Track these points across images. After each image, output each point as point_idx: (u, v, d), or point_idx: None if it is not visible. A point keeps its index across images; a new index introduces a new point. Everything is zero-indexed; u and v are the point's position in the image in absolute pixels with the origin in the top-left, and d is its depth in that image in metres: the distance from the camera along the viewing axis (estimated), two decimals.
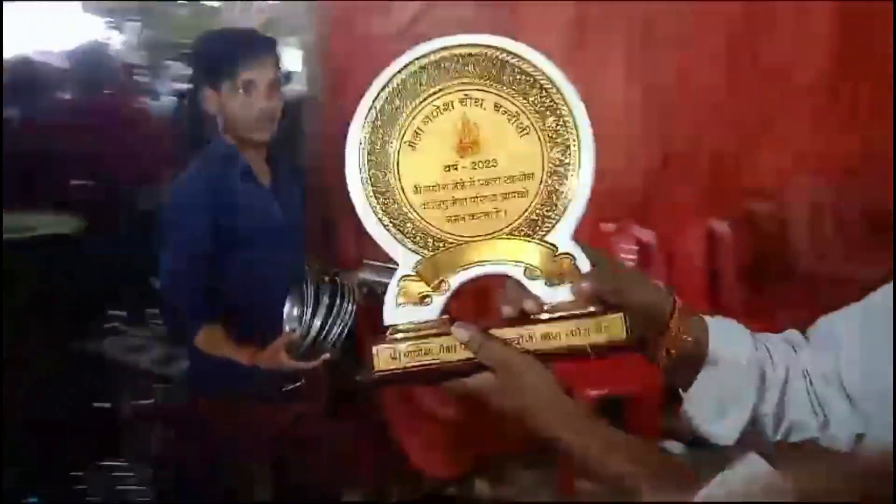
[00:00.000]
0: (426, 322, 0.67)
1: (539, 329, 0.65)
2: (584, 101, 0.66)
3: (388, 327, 0.68)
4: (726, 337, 0.76)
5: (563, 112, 0.66)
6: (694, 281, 2.85)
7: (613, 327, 0.64)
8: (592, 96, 0.69)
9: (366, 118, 0.68)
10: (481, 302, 0.78)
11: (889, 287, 0.72)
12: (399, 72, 0.67)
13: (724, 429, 0.76)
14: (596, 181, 0.66)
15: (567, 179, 0.66)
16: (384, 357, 0.66)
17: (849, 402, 0.73)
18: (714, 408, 0.76)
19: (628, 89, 2.82)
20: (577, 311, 0.65)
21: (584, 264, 0.66)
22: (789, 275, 2.93)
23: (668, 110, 2.85)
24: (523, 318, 0.66)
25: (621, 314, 0.64)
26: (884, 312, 0.70)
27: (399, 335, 0.67)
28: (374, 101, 0.68)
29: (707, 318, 0.77)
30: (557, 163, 0.66)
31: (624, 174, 2.67)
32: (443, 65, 0.67)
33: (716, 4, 2.82)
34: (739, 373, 0.75)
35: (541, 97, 0.66)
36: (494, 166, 0.67)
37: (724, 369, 0.75)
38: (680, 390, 0.78)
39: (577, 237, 0.67)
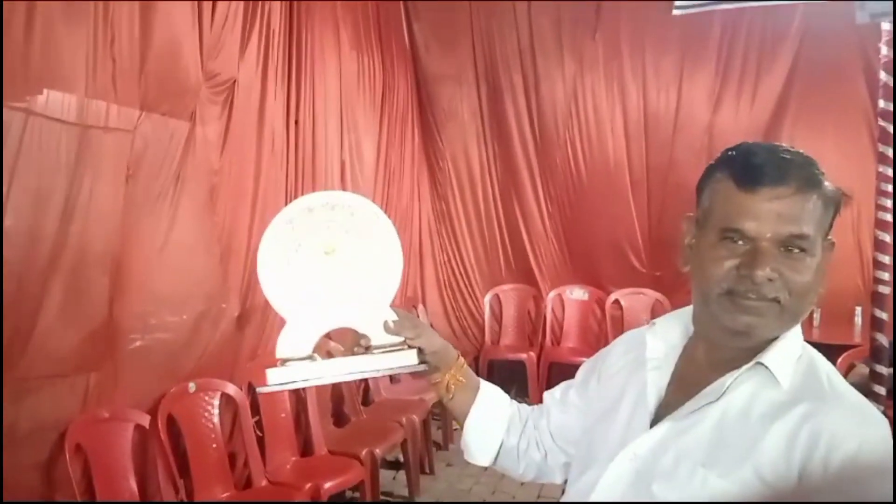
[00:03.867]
0: (302, 356, 1.14)
1: (368, 359, 1.13)
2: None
3: (278, 360, 1.14)
4: (491, 391, 1.25)
5: (381, 227, 1.16)
6: None
7: (409, 358, 1.13)
8: None
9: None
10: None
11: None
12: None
13: (482, 455, 1.24)
14: None
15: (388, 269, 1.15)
16: (274, 375, 1.12)
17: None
18: (477, 440, 1.24)
19: None
20: (389, 349, 1.13)
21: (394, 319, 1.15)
22: None
23: None
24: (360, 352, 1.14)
25: (415, 351, 1.13)
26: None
27: (284, 363, 1.13)
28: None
29: (481, 379, 1.26)
30: (381, 261, 1.15)
31: None
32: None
33: None
34: (495, 417, 1.23)
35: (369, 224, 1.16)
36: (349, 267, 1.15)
37: (486, 413, 1.23)
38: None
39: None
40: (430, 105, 5.63)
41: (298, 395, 3.35)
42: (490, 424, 1.24)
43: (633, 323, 5.16)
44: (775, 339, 0.96)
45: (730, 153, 0.98)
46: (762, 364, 0.94)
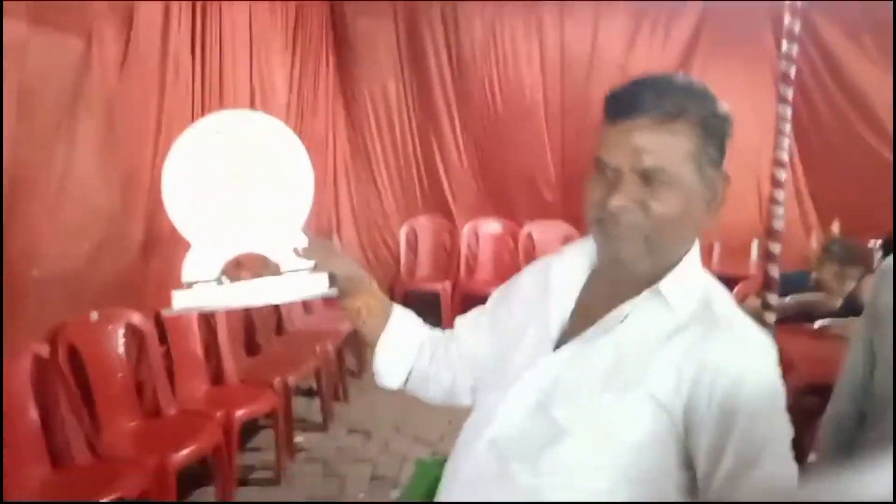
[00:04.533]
0: (207, 280, 1.11)
1: (278, 282, 1.12)
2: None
3: (184, 283, 1.11)
4: (402, 315, 1.26)
5: (292, 149, 1.13)
6: None
7: (320, 283, 1.12)
8: None
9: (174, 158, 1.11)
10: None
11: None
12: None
13: (392, 378, 1.26)
14: None
15: (297, 192, 1.13)
16: (179, 297, 1.09)
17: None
18: (388, 364, 1.25)
19: None
20: (300, 272, 1.12)
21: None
22: None
23: None
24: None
25: (326, 275, 1.12)
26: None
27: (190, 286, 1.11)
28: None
29: (394, 304, 1.26)
30: (290, 184, 1.13)
31: None
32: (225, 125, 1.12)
33: None
34: (407, 341, 1.25)
35: (279, 146, 1.13)
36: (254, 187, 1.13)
37: (397, 337, 1.24)
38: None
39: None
40: (346, 37, 5.46)
41: (208, 324, 3.30)
42: (400, 348, 1.25)
43: (545, 255, 5.29)
44: (672, 268, 1.00)
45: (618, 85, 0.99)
46: (658, 291, 0.98)
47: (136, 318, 2.85)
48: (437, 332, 1.31)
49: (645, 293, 0.99)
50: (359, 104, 5.61)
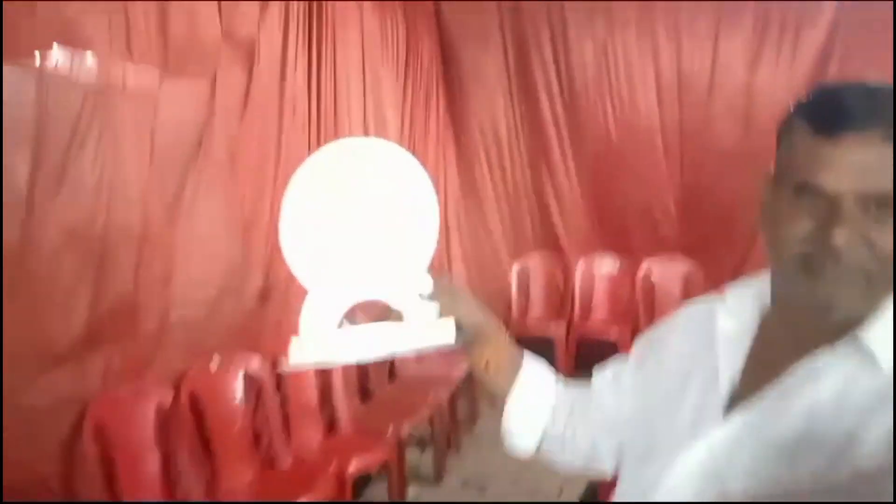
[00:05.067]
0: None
1: (400, 331, 0.99)
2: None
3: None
4: (535, 369, 1.10)
5: (418, 184, 1.02)
6: None
7: (446, 332, 0.99)
8: None
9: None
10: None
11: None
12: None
13: (523, 442, 1.09)
14: None
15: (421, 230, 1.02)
16: (296, 352, 0.99)
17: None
18: (519, 424, 1.09)
19: None
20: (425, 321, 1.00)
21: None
22: None
23: None
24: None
25: (452, 321, 0.99)
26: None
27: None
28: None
29: (526, 354, 1.10)
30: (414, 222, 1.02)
31: None
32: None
33: None
34: (539, 399, 1.08)
35: (402, 177, 1.02)
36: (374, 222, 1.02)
37: (529, 394, 1.08)
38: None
39: None
40: (455, 68, 5.44)
41: (324, 370, 3.25)
42: (533, 408, 1.09)
43: (665, 292, 5.00)
44: (869, 312, 0.80)
45: (810, 94, 0.82)
46: (859, 342, 0.79)
47: (254, 364, 2.83)
48: (572, 388, 1.15)
49: (841, 343, 0.80)
50: (469, 137, 5.53)
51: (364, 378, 3.87)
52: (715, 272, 4.73)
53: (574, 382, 1.14)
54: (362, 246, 1.01)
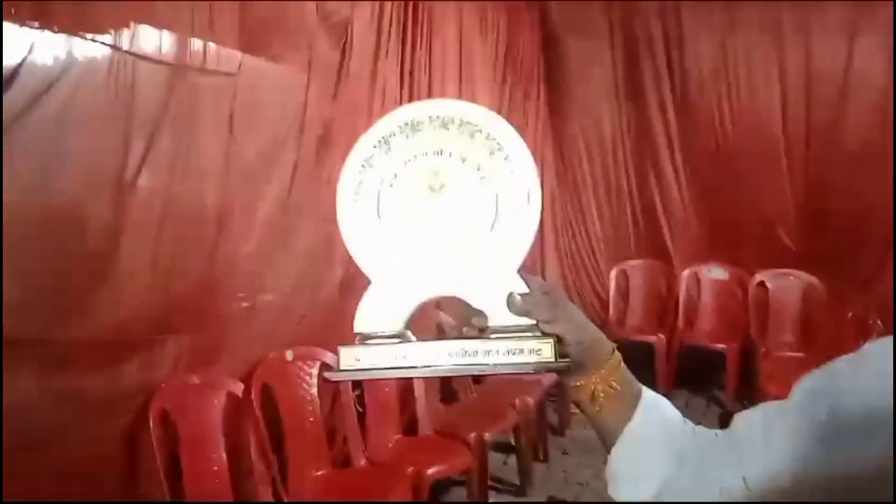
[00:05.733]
0: (389, 332, 0.80)
1: (481, 346, 0.77)
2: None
3: (357, 334, 0.80)
4: (656, 405, 0.85)
5: (514, 161, 0.79)
6: None
7: (544, 351, 0.76)
8: None
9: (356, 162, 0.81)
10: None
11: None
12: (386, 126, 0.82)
13: (637, 492, 0.84)
14: None
15: (518, 220, 0.79)
16: (348, 357, 0.79)
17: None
18: (631, 470, 0.84)
19: None
20: (514, 335, 0.77)
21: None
22: None
23: None
24: (468, 335, 0.79)
25: (552, 340, 0.76)
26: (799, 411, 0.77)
27: (366, 341, 0.80)
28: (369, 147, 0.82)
29: (644, 387, 0.85)
30: (508, 206, 0.79)
31: None
32: (423, 122, 0.81)
33: None
34: (661, 442, 0.83)
35: (499, 153, 0.79)
36: (457, 208, 0.80)
37: (648, 435, 0.83)
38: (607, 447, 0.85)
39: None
40: (559, 64, 5.16)
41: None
42: (650, 453, 0.85)
43: (781, 308, 4.57)
44: None
45: None
46: None
47: (331, 359, 2.68)
48: (703, 431, 0.88)
49: None
50: (569, 136, 5.26)
51: (447, 378, 3.68)
52: (840, 287, 4.26)
53: (704, 429, 0.88)
54: (442, 232, 0.80)
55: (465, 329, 0.79)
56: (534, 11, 4.94)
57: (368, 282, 0.82)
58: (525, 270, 0.80)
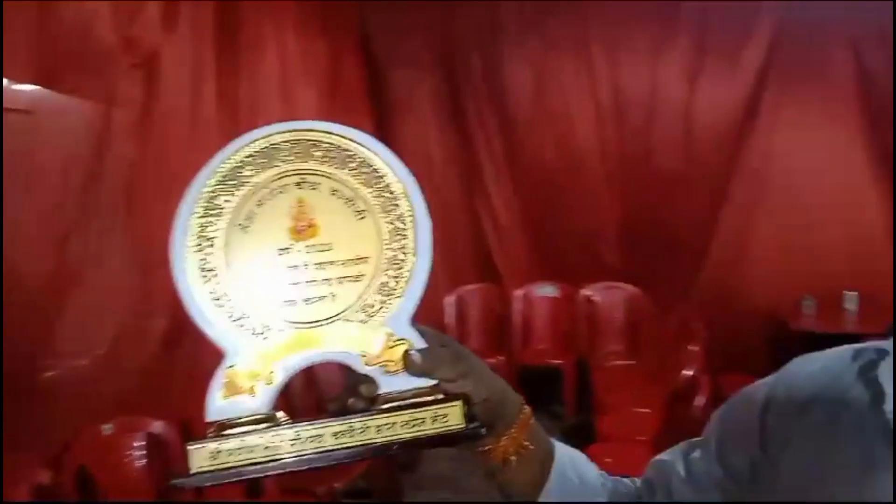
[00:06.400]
0: (252, 416, 0.63)
1: (372, 421, 0.62)
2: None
3: (210, 423, 0.62)
4: (572, 463, 0.75)
5: (398, 196, 0.66)
6: None
7: (452, 417, 0.63)
8: None
9: (196, 201, 0.64)
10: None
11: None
12: (235, 154, 0.65)
13: None
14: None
15: (404, 263, 0.66)
16: (202, 456, 0.61)
17: None
18: None
19: None
20: (413, 401, 0.63)
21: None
22: None
23: None
24: (356, 408, 0.64)
25: (460, 403, 0.63)
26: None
27: (223, 431, 0.62)
28: (207, 181, 0.64)
29: (556, 442, 0.75)
30: (394, 247, 0.66)
31: None
32: (283, 148, 0.65)
33: None
34: (582, 498, 0.74)
35: (378, 182, 0.66)
36: (329, 250, 0.65)
37: (567, 497, 0.74)
38: None
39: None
40: (384, 90, 5.11)
41: None
42: None
43: (608, 320, 4.78)
44: None
45: None
46: None
47: (159, 426, 2.36)
48: (619, 482, 0.80)
49: None
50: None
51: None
52: (660, 297, 4.55)
53: (621, 480, 0.80)
54: (310, 283, 0.64)
55: (350, 401, 0.64)
56: (356, 42, 4.86)
57: (219, 354, 0.65)
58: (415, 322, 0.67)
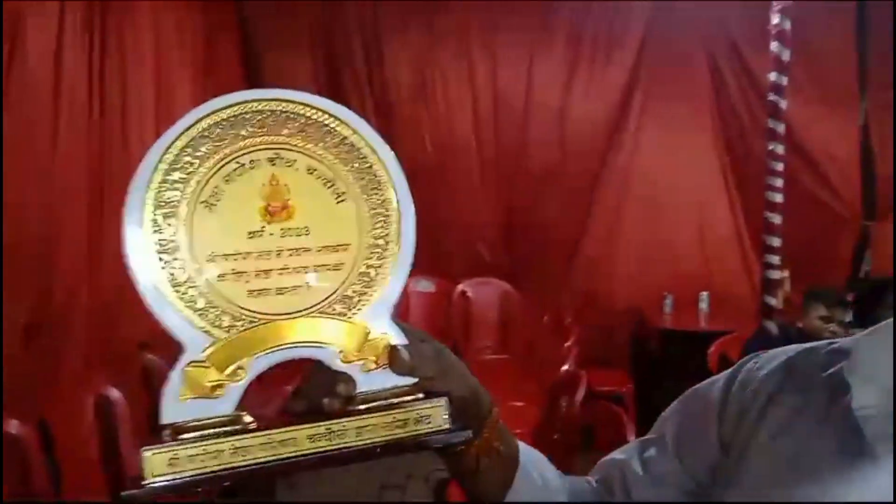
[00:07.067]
0: (215, 419, 0.56)
1: (351, 422, 0.57)
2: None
3: (165, 426, 0.55)
4: (535, 464, 0.74)
5: (382, 181, 0.61)
6: None
7: (434, 418, 0.59)
8: None
9: (153, 171, 0.55)
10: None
11: None
12: (198, 122, 0.57)
13: None
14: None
15: (387, 251, 0.61)
16: (158, 463, 0.53)
17: None
18: None
19: None
20: (394, 401, 0.59)
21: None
22: None
23: None
24: (332, 409, 0.58)
25: (443, 402, 0.60)
26: None
27: (181, 435, 0.54)
28: (164, 154, 0.56)
29: (520, 442, 0.74)
30: (376, 234, 0.61)
31: None
32: (253, 119, 0.58)
33: None
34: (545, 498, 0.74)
35: (360, 164, 0.61)
36: (306, 235, 0.59)
37: (531, 497, 0.72)
38: None
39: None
40: (260, 76, 4.90)
41: (109, 419, 2.58)
42: None
43: (482, 314, 4.86)
44: None
45: None
46: None
47: (14, 426, 2.12)
48: (577, 481, 0.79)
49: None
50: None
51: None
52: (534, 294, 4.68)
53: (578, 478, 0.79)
54: (284, 269, 0.58)
55: (326, 401, 0.58)
56: (231, 20, 4.62)
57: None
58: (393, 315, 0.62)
